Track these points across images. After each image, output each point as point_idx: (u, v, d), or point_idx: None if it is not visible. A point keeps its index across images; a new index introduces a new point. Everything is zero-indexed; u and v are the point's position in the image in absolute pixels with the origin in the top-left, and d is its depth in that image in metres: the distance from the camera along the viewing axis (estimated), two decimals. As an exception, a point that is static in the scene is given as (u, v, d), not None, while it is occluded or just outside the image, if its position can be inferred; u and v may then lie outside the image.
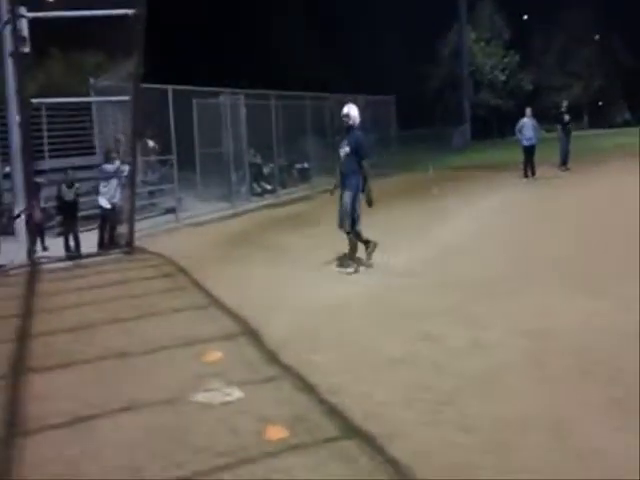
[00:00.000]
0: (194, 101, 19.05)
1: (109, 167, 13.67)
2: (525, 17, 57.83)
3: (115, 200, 13.72)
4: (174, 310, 8.50)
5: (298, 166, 24.60)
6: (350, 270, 9.99)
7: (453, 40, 52.79)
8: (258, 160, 21.90)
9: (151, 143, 19.31)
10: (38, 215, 13.21)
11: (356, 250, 10.21)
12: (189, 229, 16.38)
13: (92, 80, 16.53)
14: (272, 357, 6.47)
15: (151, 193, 19.23)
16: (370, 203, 10.08)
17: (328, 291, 9.04)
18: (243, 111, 20.39)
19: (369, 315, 7.80)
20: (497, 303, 7.91)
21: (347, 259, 10.23)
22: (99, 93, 16.14)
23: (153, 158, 19.29)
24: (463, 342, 6.59)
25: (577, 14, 55.72)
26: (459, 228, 13.49)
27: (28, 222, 13.08)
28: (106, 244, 13.67)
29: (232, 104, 20.20)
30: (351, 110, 10.08)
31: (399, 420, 4.96)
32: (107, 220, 13.79)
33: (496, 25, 55.66)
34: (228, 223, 17.11)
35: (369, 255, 10.24)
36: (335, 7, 47.07)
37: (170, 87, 17.03)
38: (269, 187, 22.32)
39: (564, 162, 22.93)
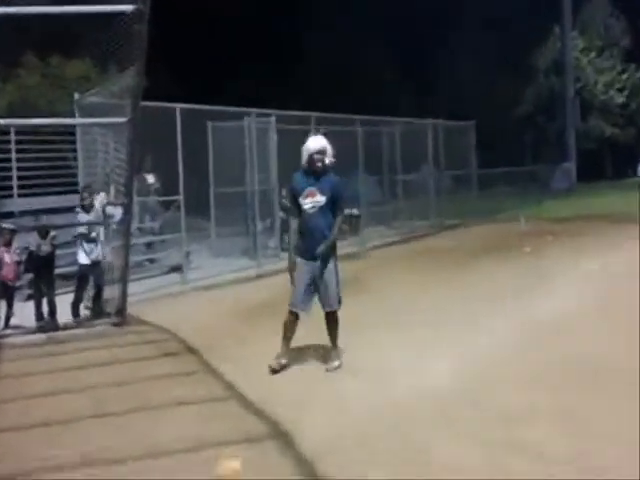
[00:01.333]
0: (209, 124, 19.32)
1: (84, 216, 13.88)
2: (650, 20, 57.94)
3: (96, 254, 13.91)
4: (179, 402, 8.51)
5: (346, 212, 24.64)
6: (337, 364, 9.75)
7: (553, 50, 52.87)
8: (292, 204, 21.96)
9: (151, 179, 19.50)
10: (10, 271, 13.38)
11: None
12: (200, 294, 16.54)
13: (77, 96, 16.83)
14: (309, 470, 6.43)
15: (150, 245, 19.40)
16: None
17: (380, 382, 8.98)
18: (274, 138, 20.54)
19: (435, 417, 7.71)
20: (609, 401, 7.77)
21: (332, 349, 9.99)
22: (86, 112, 16.38)
23: (153, 199, 19.44)
24: (563, 453, 6.49)
25: None
26: (560, 298, 13.34)
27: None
28: (88, 312, 13.79)
29: (259, 128, 20.38)
30: (326, 144, 9.69)
31: None
32: (86, 280, 13.94)
33: (611, 31, 55.68)
34: (251, 287, 17.21)
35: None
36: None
37: (178, 106, 17.27)
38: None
39: None
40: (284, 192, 21.50)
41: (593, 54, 54.60)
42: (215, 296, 16.23)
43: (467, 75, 47.13)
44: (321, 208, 9.53)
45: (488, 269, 17.26)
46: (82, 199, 14.10)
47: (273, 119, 20.70)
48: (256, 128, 20.24)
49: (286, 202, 21.43)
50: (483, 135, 33.54)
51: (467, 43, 45.71)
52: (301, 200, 9.56)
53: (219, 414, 8.07)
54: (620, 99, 54.73)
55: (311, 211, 9.55)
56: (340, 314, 9.99)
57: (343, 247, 21.93)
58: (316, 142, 9.60)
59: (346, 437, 7.22)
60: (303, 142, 9.74)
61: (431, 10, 46.44)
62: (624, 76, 55.01)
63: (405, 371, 9.40)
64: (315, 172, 9.54)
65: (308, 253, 9.56)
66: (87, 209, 13.98)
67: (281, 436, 7.26)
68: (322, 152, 9.51)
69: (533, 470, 6.22)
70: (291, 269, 9.71)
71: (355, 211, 24.35)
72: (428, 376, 9.07)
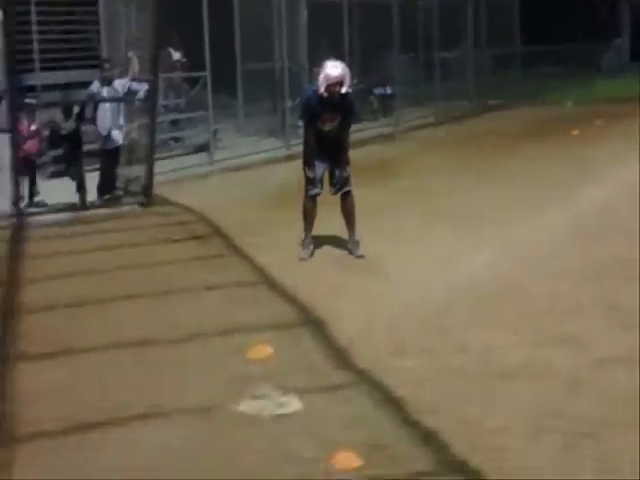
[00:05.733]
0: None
1: (97, 88, 13.82)
2: None
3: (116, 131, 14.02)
4: (208, 286, 8.69)
5: (378, 91, 24.48)
6: (359, 253, 10.02)
7: None
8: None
9: (176, 54, 19.35)
10: (32, 146, 13.40)
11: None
12: (227, 175, 16.60)
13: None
14: (342, 357, 6.57)
15: (175, 123, 19.36)
16: None
17: (420, 272, 9.06)
18: (304, 12, 20.34)
19: (475, 308, 7.83)
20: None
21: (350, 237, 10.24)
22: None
23: (178, 75, 19.42)
24: (613, 348, 6.55)
25: None
26: (610, 190, 13.18)
27: (16, 156, 13.04)
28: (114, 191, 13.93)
29: (289, 1, 20.05)
30: (346, 72, 9.89)
31: (517, 456, 4.94)
32: (114, 159, 14.00)
33: None
34: (280, 168, 17.14)
35: None
36: None
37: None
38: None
39: None
40: (315, 69, 21.34)
41: None
42: (243, 177, 16.27)
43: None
44: (337, 126, 10.11)
45: (534, 154, 17.09)
46: (103, 70, 14.04)
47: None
48: (285, 1, 19.98)
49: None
50: (527, 9, 32.50)
51: None
52: (319, 124, 10.09)
53: (248, 299, 8.23)
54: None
55: (328, 130, 10.12)
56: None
57: (377, 127, 22.22)
58: (335, 71, 9.75)
59: (379, 325, 7.35)
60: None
61: None
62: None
63: (441, 261, 9.48)
64: (332, 99, 9.84)
65: (325, 157, 10.19)
66: (108, 81, 13.86)
67: (314, 324, 7.40)
68: (341, 82, 9.72)
69: (573, 364, 6.28)
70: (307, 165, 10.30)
71: (389, 90, 24.12)
72: (464, 267, 9.13)
